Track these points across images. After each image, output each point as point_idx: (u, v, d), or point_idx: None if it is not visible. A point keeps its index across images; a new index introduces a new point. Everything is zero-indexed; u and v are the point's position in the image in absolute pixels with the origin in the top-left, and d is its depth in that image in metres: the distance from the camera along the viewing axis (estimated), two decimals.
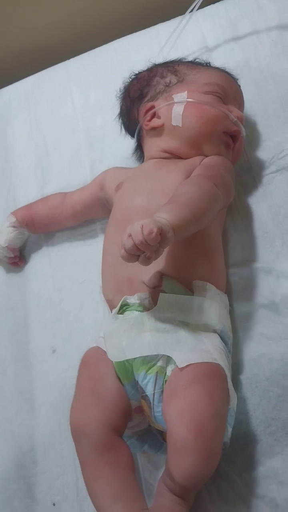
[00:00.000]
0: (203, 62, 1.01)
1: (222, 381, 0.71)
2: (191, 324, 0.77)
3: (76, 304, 1.01)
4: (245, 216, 0.96)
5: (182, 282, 0.79)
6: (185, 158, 0.93)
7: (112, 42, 1.27)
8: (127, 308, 0.80)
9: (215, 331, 0.79)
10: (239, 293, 0.90)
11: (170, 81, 0.95)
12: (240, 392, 0.82)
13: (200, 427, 0.65)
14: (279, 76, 1.07)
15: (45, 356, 0.98)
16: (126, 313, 0.79)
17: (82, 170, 1.13)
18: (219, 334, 0.79)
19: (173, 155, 0.94)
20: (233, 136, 0.94)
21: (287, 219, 0.93)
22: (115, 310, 0.80)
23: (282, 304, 0.87)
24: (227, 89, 0.94)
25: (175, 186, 0.84)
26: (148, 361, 0.75)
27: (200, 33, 1.18)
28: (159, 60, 1.06)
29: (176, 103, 0.92)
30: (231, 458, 0.78)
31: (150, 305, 0.78)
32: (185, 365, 0.70)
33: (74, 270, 1.04)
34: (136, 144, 1.02)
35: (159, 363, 0.75)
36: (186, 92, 0.92)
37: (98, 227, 1.06)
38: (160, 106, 0.94)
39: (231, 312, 0.88)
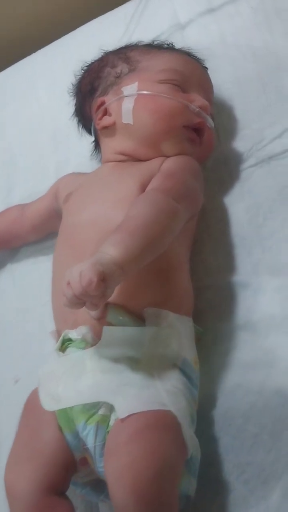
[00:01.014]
0: (163, 44, 0.88)
1: (172, 431, 0.60)
2: (142, 360, 0.66)
3: (41, 327, 0.91)
4: (221, 219, 0.83)
5: (132, 310, 0.68)
6: (144, 160, 0.81)
7: (80, 28, 1.15)
8: (69, 343, 0.69)
9: (175, 365, 0.67)
10: (213, 310, 0.78)
11: (121, 71, 0.83)
12: (212, 431, 0.70)
13: (140, 491, 0.55)
14: (259, 50, 0.92)
15: (7, 388, 0.89)
16: (68, 349, 0.69)
17: (47, 175, 1.02)
18: (180, 368, 0.68)
19: (130, 157, 0.82)
20: (198, 129, 0.80)
21: (267, 222, 0.79)
22: (56, 346, 0.70)
23: (260, 323, 0.74)
24: (187, 75, 0.81)
25: (128, 196, 0.73)
26: (88, 409, 0.64)
27: (171, 8, 1.04)
28: (123, 44, 0.93)
29: (125, 97, 0.79)
30: (200, 509, 0.67)
31: (94, 340, 0.67)
32: (126, 415, 0.59)
33: (39, 289, 0.94)
34: (94, 144, 0.91)
35: (101, 412, 0.64)
36: (136, 83, 0.79)
37: None
38: (110, 101, 0.82)
39: (205, 333, 0.76)
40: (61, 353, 0.69)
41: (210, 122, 0.81)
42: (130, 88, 0.79)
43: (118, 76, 0.82)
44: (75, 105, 0.92)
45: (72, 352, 0.68)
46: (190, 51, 0.87)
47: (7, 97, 1.15)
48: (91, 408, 0.64)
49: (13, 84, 1.16)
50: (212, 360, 0.75)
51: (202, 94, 0.82)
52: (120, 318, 0.67)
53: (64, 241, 0.78)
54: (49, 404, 0.65)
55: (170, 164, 0.77)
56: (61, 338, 0.70)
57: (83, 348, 0.67)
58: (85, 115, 0.89)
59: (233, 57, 0.93)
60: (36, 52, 1.17)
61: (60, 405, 0.64)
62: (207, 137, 0.82)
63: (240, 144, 0.86)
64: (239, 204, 0.83)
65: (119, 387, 0.63)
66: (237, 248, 0.80)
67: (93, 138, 0.92)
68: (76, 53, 1.09)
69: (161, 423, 0.60)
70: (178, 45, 0.97)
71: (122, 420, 0.59)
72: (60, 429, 0.66)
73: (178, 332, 0.68)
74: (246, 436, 0.68)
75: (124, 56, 0.84)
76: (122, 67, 0.83)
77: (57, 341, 0.72)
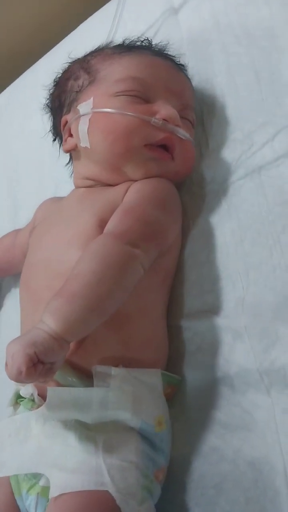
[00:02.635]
0: (133, 43, 0.76)
1: None
2: (91, 425, 0.59)
3: None
4: (206, 243, 0.71)
5: (81, 367, 0.61)
6: (114, 184, 0.71)
7: (78, 27, 1.06)
8: (21, 400, 0.65)
9: (132, 429, 0.59)
10: (191, 356, 0.68)
11: (82, 84, 0.73)
12: (184, 497, 0.62)
13: None
14: (254, 30, 0.75)
15: None
16: (20, 407, 0.64)
17: (48, 194, 0.97)
18: (138, 432, 0.60)
19: (98, 182, 0.73)
20: (167, 145, 0.68)
21: (255, 248, 0.66)
22: (8, 402, 0.65)
23: (237, 378, 0.62)
24: (150, 81, 0.69)
25: (84, 234, 0.66)
26: (29, 478, 0.59)
27: None
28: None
29: (81, 116, 0.70)
30: None
31: (40, 401, 0.62)
32: (58, 494, 0.54)
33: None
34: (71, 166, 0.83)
35: (41, 483, 0.58)
36: (91, 98, 0.69)
37: None
38: (71, 121, 0.73)
39: (183, 381, 0.67)
40: (13, 409, 0.65)
41: (182, 134, 0.68)
42: (86, 106, 0.70)
43: (79, 90, 0.73)
44: (50, 121, 0.84)
45: (21, 411, 0.63)
46: (159, 47, 0.74)
47: (15, 109, 1.11)
48: (32, 478, 0.59)
49: (21, 94, 1.11)
50: (188, 415, 0.66)
51: (173, 100, 0.69)
52: (69, 378, 0.60)
53: (23, 283, 0.72)
54: None
55: (132, 194, 0.67)
56: (13, 393, 0.66)
57: (30, 409, 0.62)
58: (58, 134, 0.81)
59: (225, 42, 0.77)
60: (41, 59, 1.11)
61: (2, 472, 0.60)
62: (183, 150, 0.70)
63: (228, 151, 0.72)
64: (225, 225, 0.70)
65: (58, 458, 0.57)
66: (222, 280, 0.68)
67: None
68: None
69: (94, 507, 0.53)
70: (172, 32, 0.86)
71: (55, 499, 0.54)
72: (12, 492, 0.62)
73: (134, 392, 0.60)
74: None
75: (86, 65, 0.74)
76: (83, 79, 0.73)
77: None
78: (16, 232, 0.92)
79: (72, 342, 0.56)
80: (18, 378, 0.50)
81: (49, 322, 0.54)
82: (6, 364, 0.52)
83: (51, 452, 0.58)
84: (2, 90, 1.19)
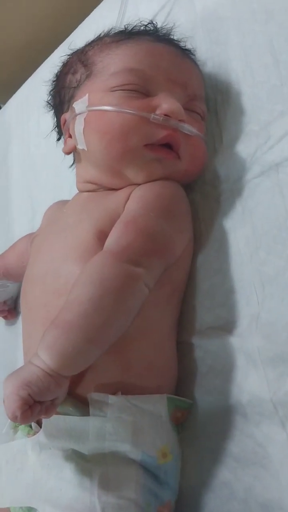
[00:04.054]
0: (135, 29, 0.68)
1: None
2: (88, 456, 0.54)
3: None
4: (219, 250, 0.64)
5: (78, 394, 0.56)
6: (117, 188, 0.65)
7: (91, 14, 0.99)
8: (20, 424, 0.61)
9: (133, 461, 0.54)
10: (202, 378, 0.61)
11: (80, 78, 0.67)
12: None
13: None
14: (272, 4, 0.66)
15: None
16: (19, 433, 0.61)
17: (63, 196, 0.92)
18: (140, 463, 0.54)
19: (100, 186, 0.67)
20: (170, 143, 0.61)
21: (271, 257, 0.58)
22: (7, 424, 0.62)
23: (250, 407, 0.55)
24: (150, 72, 0.61)
25: (82, 246, 0.61)
26: (24, 511, 0.56)
27: None
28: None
29: (77, 115, 0.64)
30: None
31: (36, 427, 0.58)
32: None
33: None
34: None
35: None
36: (87, 95, 0.63)
37: None
38: (68, 120, 0.67)
39: (194, 404, 0.61)
40: (12, 432, 0.61)
41: (188, 129, 0.61)
42: (81, 103, 0.63)
43: (77, 86, 0.67)
44: (54, 119, 0.78)
45: (19, 437, 0.60)
46: (164, 32, 0.66)
47: (36, 103, 1.05)
48: (27, 511, 0.56)
49: (40, 86, 1.06)
50: (199, 442, 0.60)
51: (177, 92, 0.62)
52: (64, 406, 0.56)
53: (22, 298, 0.68)
54: None
55: (134, 202, 0.60)
56: None
57: (27, 435, 0.58)
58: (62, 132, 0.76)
59: (242, 19, 0.68)
60: (58, 48, 1.05)
61: None
62: (190, 146, 0.62)
63: (243, 146, 0.64)
64: (240, 231, 0.62)
65: (53, 492, 0.53)
66: (235, 293, 0.61)
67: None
68: None
69: None
70: (185, 11, 0.77)
71: None
72: None
73: (134, 422, 0.55)
74: None
75: (84, 57, 0.67)
76: (80, 73, 0.66)
77: None
78: (30, 236, 0.88)
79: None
80: (15, 421, 0.47)
81: (44, 358, 0.50)
82: (4, 401, 0.49)
83: (46, 484, 0.54)
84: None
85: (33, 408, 0.47)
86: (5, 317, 0.96)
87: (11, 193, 1.08)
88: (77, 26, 1.02)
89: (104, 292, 0.52)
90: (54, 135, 0.91)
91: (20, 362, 0.93)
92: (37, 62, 1.11)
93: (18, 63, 1.23)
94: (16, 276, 0.90)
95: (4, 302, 0.95)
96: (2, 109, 1.24)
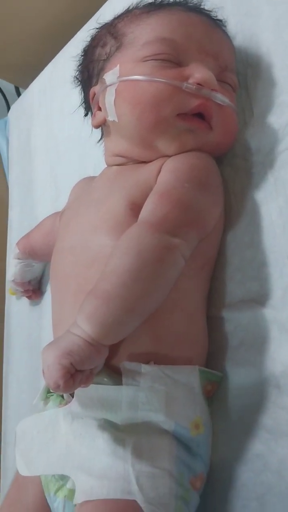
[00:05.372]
0: (165, 0, 0.67)
1: None
2: (121, 426, 0.54)
3: None
4: (250, 223, 0.63)
5: (110, 362, 0.56)
6: (147, 161, 0.65)
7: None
8: (51, 395, 0.61)
9: (166, 432, 0.54)
10: (233, 351, 0.61)
11: (110, 50, 0.66)
12: (224, 509, 0.56)
13: None
14: None
15: None
16: (50, 403, 0.61)
17: (87, 174, 0.92)
18: (173, 435, 0.54)
19: (129, 159, 0.67)
20: (203, 113, 0.60)
21: None
22: (38, 395, 0.62)
23: (284, 378, 0.54)
24: (182, 41, 0.60)
25: (112, 218, 0.61)
26: (57, 479, 0.56)
27: None
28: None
29: (108, 86, 0.63)
30: None
31: (69, 397, 0.58)
32: (81, 501, 0.50)
33: None
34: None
35: (69, 485, 0.55)
36: (118, 66, 0.62)
37: None
38: (98, 92, 0.67)
39: (224, 378, 0.60)
40: (43, 403, 0.62)
41: (220, 99, 0.60)
42: (112, 75, 0.63)
43: (106, 58, 0.66)
44: (81, 95, 0.78)
45: (50, 407, 0.60)
46: (194, 3, 0.65)
47: (58, 84, 1.06)
48: (59, 479, 0.56)
49: (63, 67, 1.05)
50: (230, 416, 0.59)
51: (209, 62, 0.61)
52: (99, 376, 0.55)
53: (52, 271, 0.69)
54: (21, 467, 0.59)
55: (167, 174, 0.60)
56: (44, 386, 0.62)
57: (59, 405, 0.59)
58: (91, 107, 0.75)
59: None
60: (83, 27, 1.04)
61: (30, 471, 0.57)
62: (222, 117, 0.62)
63: (275, 117, 0.63)
64: (272, 203, 0.61)
65: (85, 460, 0.53)
66: (268, 266, 0.60)
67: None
68: None
69: None
70: None
71: (79, 505, 0.50)
72: (43, 491, 0.59)
73: (166, 392, 0.54)
74: None
75: (113, 30, 0.66)
76: (110, 45, 0.66)
77: None
78: (56, 214, 0.88)
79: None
80: (57, 390, 0.48)
81: (85, 327, 0.50)
82: (43, 371, 0.49)
83: (78, 453, 0.54)
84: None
85: (74, 377, 0.48)
86: (29, 297, 0.97)
87: (35, 175, 1.08)
88: (95, 12, 1.01)
89: (143, 262, 0.52)
90: (79, 114, 0.91)
91: (44, 341, 0.93)
92: (57, 45, 1.10)
93: (37, 47, 1.23)
94: (42, 255, 0.91)
95: (29, 282, 0.95)
96: (24, 93, 1.24)
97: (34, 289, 0.96)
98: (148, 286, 0.52)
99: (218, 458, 0.58)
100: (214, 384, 0.60)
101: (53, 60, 1.12)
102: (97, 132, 0.83)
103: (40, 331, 0.95)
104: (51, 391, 0.61)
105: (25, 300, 1.00)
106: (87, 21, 1.04)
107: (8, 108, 1.37)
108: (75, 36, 1.05)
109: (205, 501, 0.56)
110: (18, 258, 0.93)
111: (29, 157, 1.11)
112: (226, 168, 0.67)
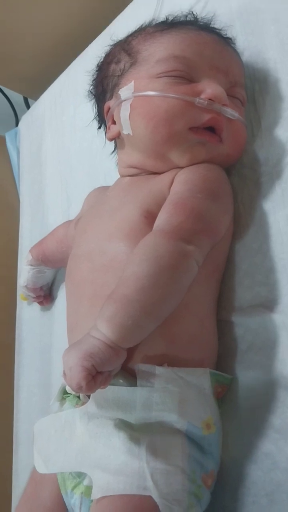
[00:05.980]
0: (176, 19, 0.70)
1: None
2: (135, 426, 0.56)
3: None
4: (259, 232, 0.66)
5: (125, 364, 0.58)
6: (160, 172, 0.68)
7: (126, 8, 1.02)
8: (67, 396, 0.64)
9: (178, 431, 0.56)
10: (242, 355, 0.63)
11: (124, 67, 0.69)
12: (234, 505, 0.58)
13: None
14: None
15: None
16: (66, 404, 0.63)
17: (98, 184, 0.95)
18: (185, 434, 0.56)
19: (142, 171, 0.70)
20: (214, 127, 0.63)
21: None
22: (55, 396, 0.64)
23: None
24: (194, 59, 0.63)
25: (127, 226, 0.63)
26: (74, 477, 0.58)
27: None
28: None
29: (123, 101, 0.66)
30: None
31: (85, 398, 0.60)
32: (98, 497, 0.52)
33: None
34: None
35: (86, 482, 0.57)
36: (132, 82, 0.66)
37: None
38: (113, 107, 0.70)
39: (234, 380, 0.63)
40: (59, 404, 0.64)
41: (231, 113, 0.63)
42: (126, 90, 0.66)
43: (121, 74, 0.69)
44: (95, 108, 0.81)
45: (66, 408, 0.62)
46: (205, 21, 0.68)
47: (69, 97, 1.09)
48: (76, 477, 0.59)
49: (74, 81, 1.09)
50: (239, 416, 0.62)
51: (219, 78, 0.64)
52: (116, 378, 0.58)
53: (67, 276, 0.71)
54: (38, 465, 0.61)
55: (180, 185, 0.63)
56: (60, 388, 0.65)
57: (75, 405, 0.61)
58: (104, 121, 0.78)
59: (278, 10, 0.70)
60: (93, 42, 1.08)
61: (48, 469, 0.60)
62: (232, 130, 0.65)
63: (282, 130, 0.66)
64: (279, 213, 0.64)
65: (102, 458, 0.55)
66: (276, 272, 0.62)
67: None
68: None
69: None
70: (221, 3, 0.79)
71: (97, 501, 0.53)
72: (59, 488, 0.62)
73: (180, 393, 0.57)
74: None
75: (127, 47, 0.70)
76: (124, 62, 0.69)
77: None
78: (69, 223, 0.91)
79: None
80: (79, 391, 0.51)
81: (104, 330, 0.53)
82: (64, 373, 0.52)
83: (95, 452, 0.56)
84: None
85: (95, 378, 0.50)
86: (40, 303, 0.99)
87: (46, 184, 1.11)
88: (107, 25, 1.05)
89: (160, 269, 0.55)
90: (91, 127, 0.94)
91: (55, 346, 0.96)
92: (68, 58, 1.13)
93: (47, 59, 1.26)
94: (54, 262, 0.94)
95: (41, 288, 0.98)
96: (34, 104, 1.27)
97: (45, 295, 0.99)
98: (165, 291, 0.55)
99: (228, 457, 0.60)
100: (224, 386, 0.62)
101: (64, 73, 1.15)
102: (109, 144, 0.87)
103: (51, 336, 0.97)
104: (67, 392, 0.64)
105: (36, 306, 1.02)
106: (96, 35, 1.08)
107: (17, 118, 1.40)
108: (85, 50, 1.08)
109: (216, 498, 0.58)
110: (31, 265, 0.95)
111: (39, 167, 1.14)
112: (235, 178, 0.70)
